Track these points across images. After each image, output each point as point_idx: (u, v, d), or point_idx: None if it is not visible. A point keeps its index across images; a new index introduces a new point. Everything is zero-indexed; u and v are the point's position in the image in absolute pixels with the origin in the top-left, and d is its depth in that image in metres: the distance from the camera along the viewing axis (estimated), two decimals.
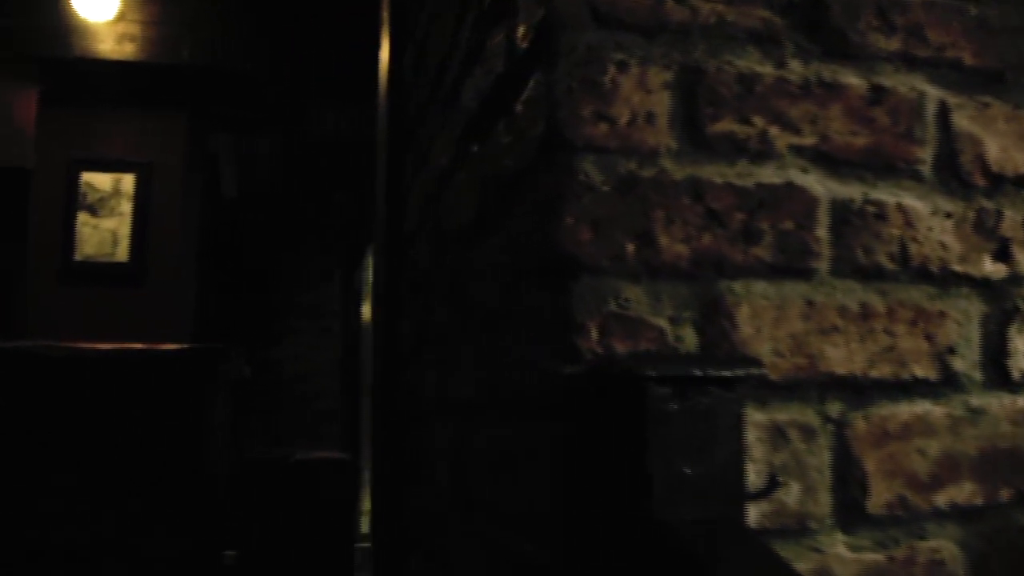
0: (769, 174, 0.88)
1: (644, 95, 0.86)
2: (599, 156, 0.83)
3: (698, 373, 0.72)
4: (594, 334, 0.80)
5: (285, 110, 4.00)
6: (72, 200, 3.36)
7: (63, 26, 3.26)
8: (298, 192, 5.51)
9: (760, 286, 0.86)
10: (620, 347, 0.80)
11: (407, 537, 1.69)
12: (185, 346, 3.15)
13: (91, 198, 3.40)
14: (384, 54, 1.97)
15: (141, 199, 3.46)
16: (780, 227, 0.87)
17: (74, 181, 3.37)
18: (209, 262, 6.62)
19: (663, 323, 0.82)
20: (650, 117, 0.85)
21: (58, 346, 3.09)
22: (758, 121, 0.88)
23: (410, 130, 1.81)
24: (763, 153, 0.88)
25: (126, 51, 3.30)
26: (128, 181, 3.44)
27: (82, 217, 3.39)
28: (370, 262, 7.55)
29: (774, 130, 0.89)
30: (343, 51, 3.62)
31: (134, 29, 3.30)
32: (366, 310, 7.45)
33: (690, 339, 0.83)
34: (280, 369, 6.64)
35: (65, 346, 3.10)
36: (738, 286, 0.85)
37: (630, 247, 0.82)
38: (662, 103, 0.86)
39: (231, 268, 6.71)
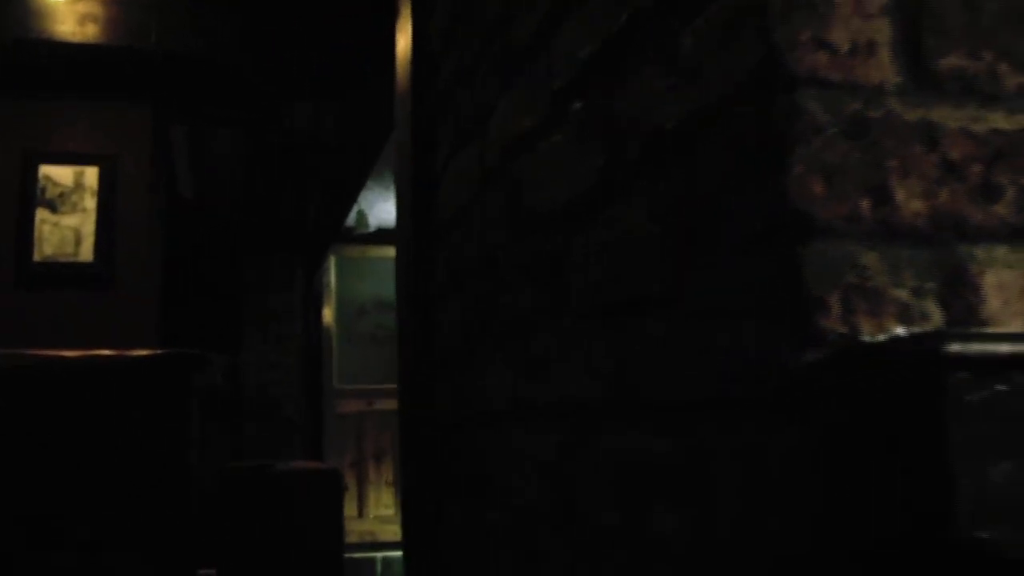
0: (1000, 119, 0.73)
1: (862, 20, 0.70)
2: (822, 92, 0.67)
3: (1004, 351, 0.56)
4: (836, 310, 0.64)
5: (259, 102, 3.78)
6: (30, 195, 3.09)
7: (18, 5, 2.99)
8: (260, 191, 5.26)
9: (1002, 251, 0.71)
10: (865, 325, 0.64)
11: (445, 552, 1.51)
12: (158, 352, 2.91)
13: (50, 193, 3.14)
14: (404, 22, 1.79)
15: (106, 194, 3.20)
16: (1021, 182, 0.72)
17: (32, 175, 3.10)
18: (170, 264, 6.32)
19: (905, 296, 0.66)
20: (871, 47, 0.70)
21: (19, 354, 2.83)
22: (987, 56, 0.73)
23: (441, 105, 1.63)
24: (993, 95, 0.73)
25: (88, 33, 3.05)
26: (91, 175, 3.19)
27: (41, 214, 3.12)
28: (332, 263, 7.30)
29: (1003, 67, 0.74)
30: (323, 41, 3.41)
31: (97, 9, 3.05)
32: (327, 313, 7.21)
33: (935, 314, 0.67)
34: (240, 375, 6.36)
35: (26, 353, 2.84)
36: (980, 251, 0.70)
37: (864, 204, 0.66)
38: (882, 31, 0.70)
39: (189, 271, 6.41)
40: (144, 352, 2.92)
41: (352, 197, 5.19)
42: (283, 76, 3.62)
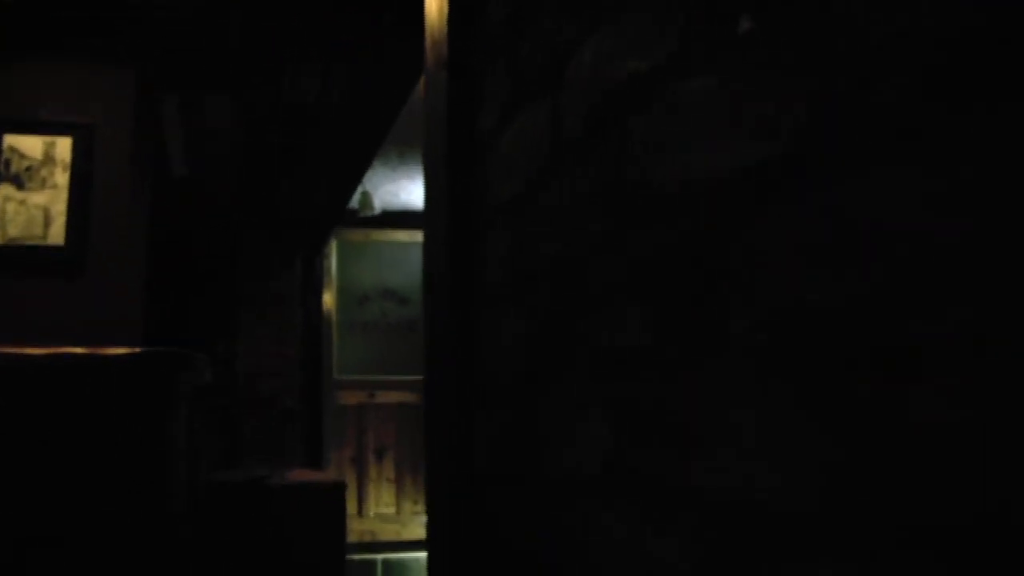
0: None
1: None
2: None
3: None
4: None
5: (258, 66, 3.38)
6: None
7: None
8: (259, 168, 4.87)
9: None
10: None
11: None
12: (138, 350, 2.53)
13: (16, 167, 2.75)
14: None
15: (80, 169, 2.81)
16: None
17: None
18: (158, 247, 5.94)
19: None
20: None
21: None
22: None
23: (489, 53, 1.25)
24: None
25: None
26: (63, 146, 2.80)
27: (4, 190, 2.73)
28: (334, 248, 6.91)
29: None
30: None
31: None
32: (328, 301, 6.83)
33: None
34: (236, 366, 5.99)
35: None
36: None
37: None
38: None
39: (180, 255, 6.02)
40: (121, 350, 2.54)
41: (358, 176, 4.80)
42: (284, 37, 3.23)
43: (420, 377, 6.94)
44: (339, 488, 2.90)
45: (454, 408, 1.23)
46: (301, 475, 3.21)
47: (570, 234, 0.90)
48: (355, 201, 5.88)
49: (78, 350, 2.52)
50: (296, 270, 6.35)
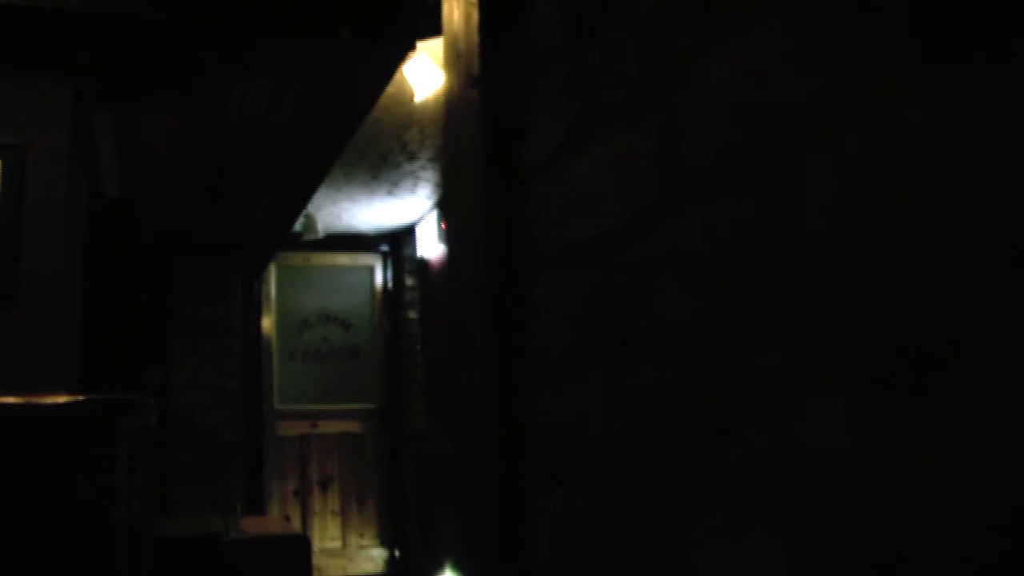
0: None
1: None
2: None
3: None
4: None
5: (204, 79, 3.12)
6: None
7: None
8: (198, 189, 4.59)
9: None
10: None
11: None
12: (79, 398, 2.26)
13: None
14: None
15: (10, 192, 2.53)
16: None
17: None
18: (88, 272, 5.57)
19: None
20: None
21: None
22: None
23: (538, 65, 1.06)
24: None
25: None
26: None
27: None
28: (273, 272, 6.61)
29: None
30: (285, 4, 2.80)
31: None
32: (267, 327, 6.52)
33: None
34: (172, 398, 5.65)
35: None
36: None
37: None
38: None
39: (110, 281, 5.66)
40: (60, 399, 2.26)
41: (306, 197, 4.56)
42: (229, 51, 2.99)
43: (364, 405, 6.67)
44: (301, 543, 2.66)
45: (497, 507, 1.03)
46: (257, 524, 2.95)
47: (706, 289, 0.72)
48: (298, 224, 5.62)
49: (10, 400, 2.24)
50: (234, 295, 6.04)
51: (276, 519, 3.52)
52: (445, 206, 1.49)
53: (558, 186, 0.99)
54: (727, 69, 0.71)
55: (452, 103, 1.21)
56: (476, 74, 1.14)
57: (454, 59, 1.21)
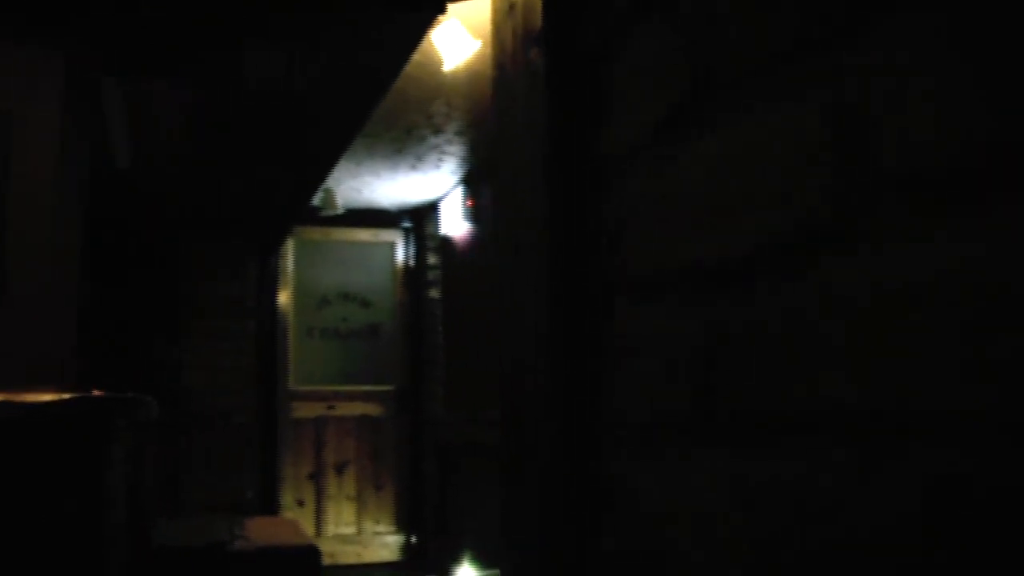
0: None
1: None
2: None
3: None
4: None
5: (213, 43, 2.86)
6: None
7: None
8: (212, 160, 4.33)
9: None
10: None
11: None
12: (63, 396, 2.03)
13: None
14: None
15: None
16: None
17: None
18: (92, 249, 5.34)
19: None
20: None
21: None
22: None
23: (623, 25, 0.79)
24: None
25: None
26: None
27: None
28: (291, 247, 6.37)
29: None
30: None
31: None
32: (283, 304, 6.28)
33: None
34: (182, 379, 5.43)
35: None
36: None
37: None
38: None
39: (122, 257, 5.44)
40: (49, 396, 2.03)
41: (326, 170, 4.30)
42: (239, 13, 2.72)
43: (382, 387, 6.44)
44: (311, 554, 2.42)
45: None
46: (265, 530, 2.72)
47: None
48: (317, 199, 5.36)
49: None
50: (249, 271, 5.80)
51: (286, 523, 3.29)
52: (494, 205, 1.18)
53: (656, 183, 0.72)
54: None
55: (504, 69, 0.94)
56: (538, 29, 0.87)
57: (507, 10, 0.94)
